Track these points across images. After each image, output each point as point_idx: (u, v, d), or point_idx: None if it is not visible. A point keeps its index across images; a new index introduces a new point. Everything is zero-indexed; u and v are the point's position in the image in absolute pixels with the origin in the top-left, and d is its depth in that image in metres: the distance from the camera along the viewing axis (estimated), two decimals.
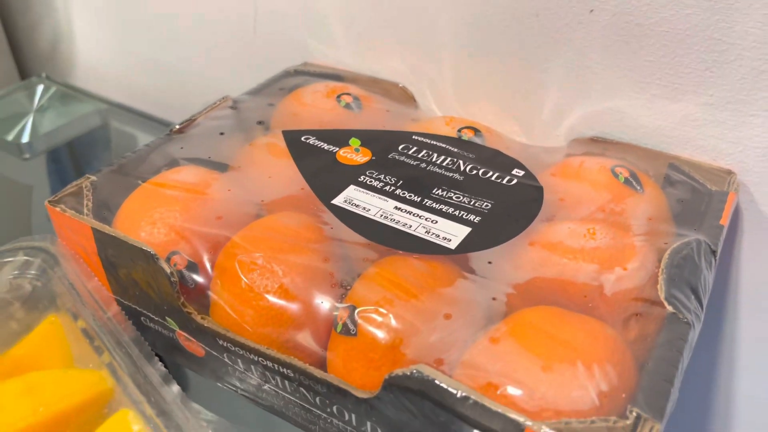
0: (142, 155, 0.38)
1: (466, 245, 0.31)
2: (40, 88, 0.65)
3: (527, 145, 0.41)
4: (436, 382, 0.24)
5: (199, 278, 0.32)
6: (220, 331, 0.31)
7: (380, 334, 0.28)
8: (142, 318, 0.35)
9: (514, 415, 0.23)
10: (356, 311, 0.28)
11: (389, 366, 0.27)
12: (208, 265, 0.32)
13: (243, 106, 0.43)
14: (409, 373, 0.25)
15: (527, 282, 0.30)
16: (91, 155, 0.65)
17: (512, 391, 0.24)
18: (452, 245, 0.31)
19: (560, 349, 0.26)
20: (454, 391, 0.24)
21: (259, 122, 0.41)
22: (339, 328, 0.29)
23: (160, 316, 0.33)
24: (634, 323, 0.28)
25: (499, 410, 0.23)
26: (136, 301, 0.34)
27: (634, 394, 0.25)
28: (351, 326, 0.28)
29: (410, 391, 0.25)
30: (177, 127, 0.40)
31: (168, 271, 0.31)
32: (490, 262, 0.31)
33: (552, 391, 0.24)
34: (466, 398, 0.24)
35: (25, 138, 0.59)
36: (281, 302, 0.30)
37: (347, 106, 0.42)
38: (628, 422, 0.23)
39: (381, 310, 0.28)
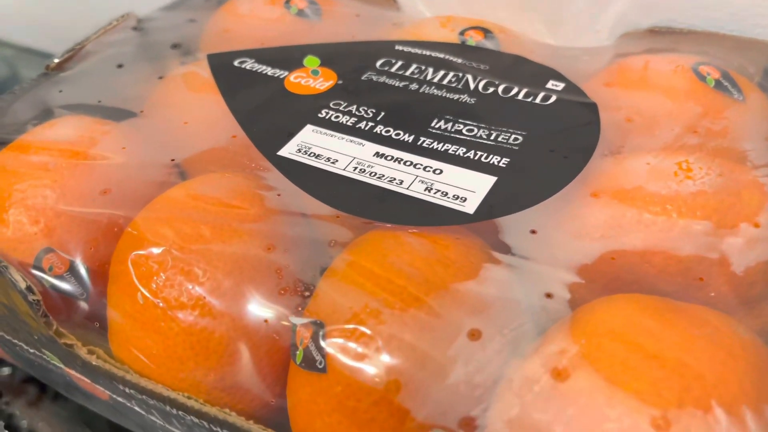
0: (1, 108, 0.26)
1: (492, 206, 0.20)
2: None
3: (558, 47, 0.29)
4: None
5: (80, 288, 0.21)
6: (115, 372, 0.19)
7: (366, 371, 0.16)
8: (17, 349, 0.23)
9: None
10: (323, 331, 0.17)
11: (382, 424, 0.16)
12: (85, 268, 0.21)
13: (152, 25, 0.30)
14: None
15: (599, 260, 0.18)
16: None
17: None
18: (470, 207, 0.20)
19: (677, 381, 0.15)
20: None
21: (175, 45, 0.29)
22: (299, 359, 0.18)
23: (34, 347, 0.22)
24: None
25: None
26: (1, 328, 0.23)
27: None
28: (317, 356, 0.17)
29: None
30: (55, 61, 0.28)
31: (23, 285, 0.20)
32: (534, 231, 0.19)
33: None
34: None
35: None
36: (203, 321, 0.19)
37: (300, 13, 0.30)
38: None
39: (363, 329, 0.17)
